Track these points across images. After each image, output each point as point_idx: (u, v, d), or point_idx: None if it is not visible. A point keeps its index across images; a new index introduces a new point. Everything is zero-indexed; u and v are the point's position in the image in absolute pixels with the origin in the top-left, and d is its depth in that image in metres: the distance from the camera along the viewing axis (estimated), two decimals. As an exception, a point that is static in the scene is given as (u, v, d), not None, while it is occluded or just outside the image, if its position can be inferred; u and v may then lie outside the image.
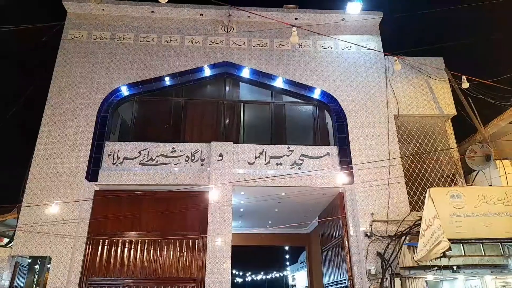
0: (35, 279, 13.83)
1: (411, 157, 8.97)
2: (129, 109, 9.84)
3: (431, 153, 8.94)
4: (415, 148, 9.12)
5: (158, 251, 8.27)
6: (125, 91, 9.55)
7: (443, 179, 8.79)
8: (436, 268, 6.63)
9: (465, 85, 8.28)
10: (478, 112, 8.68)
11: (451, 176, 8.86)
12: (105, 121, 9.15)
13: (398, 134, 9.21)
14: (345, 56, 10.02)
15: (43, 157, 8.39)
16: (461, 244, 6.51)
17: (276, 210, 11.06)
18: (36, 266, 14.03)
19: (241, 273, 35.92)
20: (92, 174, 8.55)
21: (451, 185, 8.43)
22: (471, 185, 8.38)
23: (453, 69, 9.50)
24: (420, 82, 9.73)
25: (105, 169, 8.68)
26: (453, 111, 9.41)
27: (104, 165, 8.75)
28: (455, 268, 6.55)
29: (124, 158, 8.84)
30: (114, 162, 8.79)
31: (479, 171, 8.33)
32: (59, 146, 8.53)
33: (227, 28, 10.16)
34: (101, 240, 8.21)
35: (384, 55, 9.95)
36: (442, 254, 5.73)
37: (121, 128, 10.05)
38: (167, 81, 9.73)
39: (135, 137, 9.33)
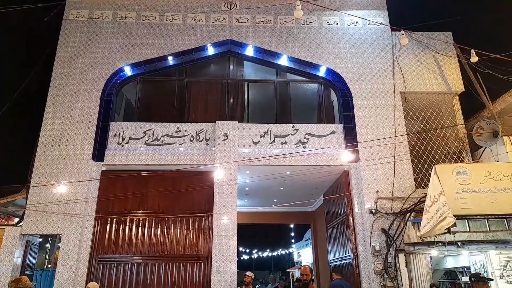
0: (47, 257, 14.23)
1: (417, 134, 8.89)
2: (133, 90, 9.81)
3: (438, 130, 8.86)
4: (421, 126, 9.04)
5: (165, 229, 8.41)
6: (128, 71, 9.49)
7: (449, 156, 8.74)
8: (440, 244, 6.68)
9: (474, 59, 8.09)
10: (486, 88, 8.52)
11: (457, 153, 8.81)
12: (110, 101, 9.15)
13: (405, 112, 9.11)
14: (351, 32, 9.82)
15: (49, 138, 8.45)
16: (466, 220, 6.52)
17: (281, 188, 11.13)
18: (47, 245, 14.42)
19: (247, 251, 36.60)
20: (98, 154, 8.62)
21: (457, 162, 8.38)
22: (477, 162, 8.33)
23: (461, 44, 9.28)
24: (427, 58, 9.54)
25: (111, 150, 8.74)
26: (460, 87, 9.26)
27: (110, 145, 8.80)
28: (459, 243, 6.59)
29: (130, 138, 8.88)
30: (120, 142, 8.84)
31: (486, 147, 8.25)
32: (64, 127, 8.57)
33: (230, 5, 9.96)
34: (109, 219, 8.35)
35: (391, 30, 9.73)
36: (446, 230, 5.75)
37: (126, 109, 10.06)
38: (170, 60, 9.64)
39: (140, 117, 9.34)
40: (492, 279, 4.86)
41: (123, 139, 8.86)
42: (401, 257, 7.64)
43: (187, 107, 9.61)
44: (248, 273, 7.39)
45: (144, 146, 8.80)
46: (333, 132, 9.14)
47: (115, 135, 8.89)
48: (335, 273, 8.43)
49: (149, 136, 8.89)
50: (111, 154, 8.69)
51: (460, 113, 9.25)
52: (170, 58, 9.57)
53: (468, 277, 8.43)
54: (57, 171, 8.19)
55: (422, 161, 8.69)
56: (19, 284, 4.34)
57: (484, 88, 8.51)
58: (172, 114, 9.43)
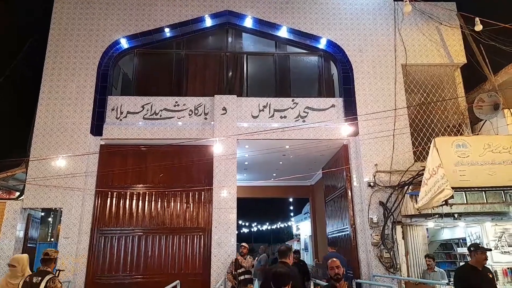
0: (49, 231, 14.43)
1: (418, 107, 8.82)
2: (129, 63, 9.64)
3: (438, 103, 8.78)
4: (422, 99, 8.95)
5: (166, 203, 8.48)
6: (124, 44, 9.30)
7: (449, 130, 8.71)
8: (437, 216, 6.76)
9: (478, 27, 7.88)
10: (489, 60, 8.38)
11: (457, 126, 8.77)
12: (106, 75, 9.02)
13: (405, 85, 9.01)
14: (353, 3, 9.55)
15: (46, 112, 8.38)
16: (463, 193, 6.58)
17: (281, 163, 11.16)
18: (49, 219, 14.60)
19: (247, 224, 37.22)
20: (97, 128, 8.58)
21: (457, 135, 8.36)
22: (477, 135, 8.31)
23: (465, 14, 9.05)
24: (430, 29, 9.33)
25: (109, 124, 8.69)
26: (463, 59, 9.11)
27: (108, 119, 8.74)
28: (456, 215, 6.67)
29: (128, 112, 8.81)
30: (118, 116, 8.77)
31: (486, 120, 8.21)
32: (61, 101, 8.49)
33: (228, -26, 9.62)
34: (109, 193, 8.41)
35: (394, 0, 9.47)
36: (444, 202, 5.80)
37: (123, 82, 9.93)
38: (167, 32, 9.42)
39: (138, 91, 9.23)
40: (491, 249, 4.96)
41: (121, 113, 8.79)
42: (398, 229, 7.76)
43: (185, 81, 9.48)
44: (243, 244, 7.52)
45: (142, 121, 8.74)
46: (333, 106, 9.06)
47: (113, 109, 8.82)
48: (330, 247, 8.68)
49: (147, 110, 8.82)
50: (109, 128, 8.64)
51: (461, 86, 9.15)
52: (167, 30, 9.35)
53: (465, 248, 8.63)
54: (56, 145, 8.17)
55: (421, 135, 8.67)
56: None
57: (487, 60, 8.37)
58: (170, 87, 9.32)
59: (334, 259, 3.80)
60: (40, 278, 4.44)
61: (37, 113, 8.34)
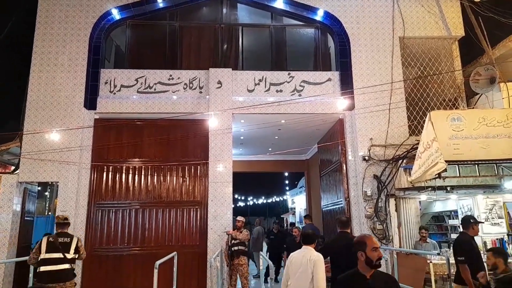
0: (47, 205, 14.54)
1: (414, 81, 8.78)
2: (122, 35, 9.41)
3: (435, 77, 8.73)
4: (419, 72, 8.89)
5: (162, 177, 8.52)
6: (116, 15, 9.04)
7: (444, 104, 8.71)
8: (430, 188, 6.87)
9: None
10: (488, 33, 8.28)
11: (453, 100, 8.77)
12: (99, 47, 8.81)
13: (402, 58, 8.91)
14: (351, -27, 9.28)
15: (38, 85, 8.24)
16: (456, 166, 6.66)
17: (276, 137, 11.17)
18: (46, 193, 14.68)
19: (243, 198, 37.71)
20: (90, 102, 8.47)
21: (452, 109, 8.37)
22: (472, 109, 8.32)
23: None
24: (429, 0, 9.15)
25: (103, 97, 8.58)
26: (461, 32, 8.99)
27: (102, 93, 8.62)
28: (449, 188, 6.78)
29: (121, 86, 8.68)
30: (112, 90, 8.65)
31: (481, 94, 8.21)
32: (53, 74, 8.33)
33: None
34: (105, 167, 8.42)
35: (393, -31, 9.22)
36: (437, 175, 5.88)
37: (116, 55, 9.74)
38: (160, 2, 9.16)
39: (131, 64, 9.06)
40: (483, 222, 5.16)
41: (115, 86, 8.67)
42: (392, 201, 7.89)
43: (179, 54, 9.30)
44: (238, 217, 7.63)
45: (136, 94, 8.64)
46: (329, 79, 8.98)
47: (106, 83, 8.68)
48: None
49: (141, 84, 8.70)
50: (103, 102, 8.54)
51: (458, 59, 9.07)
52: (159, 0, 9.08)
53: (456, 220, 8.83)
54: (49, 119, 8.09)
55: (417, 109, 8.67)
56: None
57: (485, 33, 8.27)
58: (164, 60, 9.15)
59: (371, 236, 2.81)
60: (68, 239, 5.08)
61: (29, 86, 8.20)
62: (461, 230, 5.05)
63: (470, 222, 4.86)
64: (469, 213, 8.08)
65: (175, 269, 6.64)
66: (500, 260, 4.00)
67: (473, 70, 8.02)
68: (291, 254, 4.29)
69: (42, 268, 4.84)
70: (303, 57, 9.86)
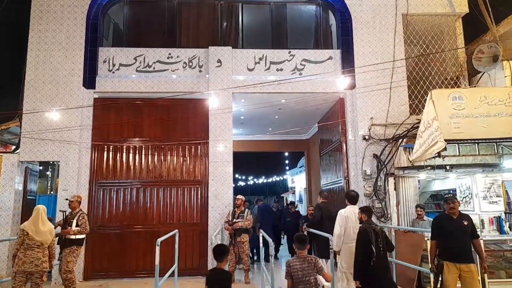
0: (49, 184, 14.66)
1: (416, 59, 8.67)
2: (120, 13, 9.23)
3: (437, 55, 8.62)
4: (421, 50, 8.77)
5: (162, 156, 8.55)
6: (113, -9, 8.86)
7: (446, 82, 8.63)
8: (429, 167, 6.90)
9: None
10: (492, 9, 8.10)
11: (455, 78, 8.68)
12: (96, 25, 8.67)
13: (405, 36, 8.77)
14: None
15: (36, 64, 8.15)
16: (456, 145, 6.67)
17: (277, 117, 11.14)
18: (48, 173, 14.76)
19: (243, 177, 37.97)
20: (89, 81, 8.40)
21: (454, 88, 8.30)
22: (474, 87, 8.26)
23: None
24: (433, -24, 8.93)
25: (101, 77, 8.50)
26: (465, 9, 8.81)
27: (100, 72, 8.54)
28: (448, 167, 6.81)
29: (120, 64, 8.59)
30: (110, 69, 8.57)
31: (484, 72, 8.12)
32: (51, 53, 8.23)
33: None
34: (105, 146, 8.44)
35: None
36: (436, 154, 5.90)
37: (114, 33, 9.58)
38: (158, -22, 8.95)
39: (129, 42, 8.94)
40: (456, 199, 5.26)
41: (114, 65, 8.58)
42: (391, 180, 7.94)
43: (178, 32, 9.16)
44: (238, 196, 7.72)
45: (135, 73, 8.56)
46: (330, 58, 8.87)
47: (104, 61, 8.59)
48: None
49: (140, 63, 8.61)
50: (102, 81, 8.47)
51: (461, 37, 8.93)
52: (157, -24, 8.88)
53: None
54: (49, 98, 8.05)
55: (418, 87, 8.60)
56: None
57: (490, 9, 8.10)
58: (162, 39, 9.03)
59: None
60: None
61: (27, 64, 8.11)
62: None
63: (455, 201, 4.97)
64: (467, 192, 8.16)
65: (176, 246, 6.75)
66: (364, 215, 5.12)
67: (476, 48, 7.91)
68: (341, 210, 5.84)
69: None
70: (304, 35, 9.71)
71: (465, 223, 4.87)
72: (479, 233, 5.24)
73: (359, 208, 5.27)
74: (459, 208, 5.00)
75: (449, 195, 5.09)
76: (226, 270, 3.91)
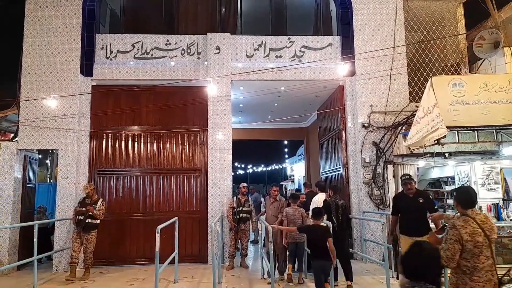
0: (48, 173, 14.65)
1: (416, 46, 8.59)
2: (117, -2, 9.11)
3: (438, 42, 8.54)
4: (422, 37, 8.69)
5: (161, 144, 8.53)
6: (110, -24, 8.71)
7: (446, 69, 8.58)
8: (428, 155, 6.89)
9: None
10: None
11: (455, 65, 8.62)
12: (93, 10, 8.54)
13: (406, 22, 8.68)
14: None
15: (33, 51, 8.06)
16: (456, 132, 6.65)
17: (276, 105, 11.09)
18: (47, 161, 14.75)
19: (243, 166, 38.04)
20: (87, 68, 8.32)
21: (454, 75, 8.25)
22: (474, 74, 8.20)
23: None
24: (435, -40, 8.79)
25: (99, 64, 8.42)
26: (467, -6, 8.72)
27: (98, 59, 8.46)
28: (447, 154, 6.80)
29: (118, 51, 8.50)
30: (108, 56, 8.48)
31: (484, 59, 8.06)
32: (48, 39, 8.13)
33: None
34: (104, 134, 8.41)
35: None
36: (436, 141, 5.88)
37: (111, 20, 9.46)
38: (155, -37, 8.79)
39: (127, 29, 8.84)
40: (411, 179, 5.46)
41: (111, 52, 8.49)
42: (390, 168, 7.95)
43: (176, 18, 9.04)
44: (243, 184, 7.83)
45: (133, 60, 8.48)
46: (330, 44, 8.79)
47: (102, 48, 8.50)
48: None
49: (138, 49, 8.52)
50: (99, 68, 8.40)
51: (462, 23, 8.84)
52: (154, -39, 8.72)
53: (453, 186, 8.94)
54: (46, 85, 7.98)
55: (418, 74, 8.55)
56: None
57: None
58: (160, 25, 8.92)
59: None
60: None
61: (23, 51, 8.02)
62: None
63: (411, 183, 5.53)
64: (465, 179, 8.18)
65: (176, 233, 6.79)
66: (331, 191, 6.16)
67: (477, 34, 7.83)
68: (315, 197, 6.54)
69: None
70: (304, 21, 9.60)
71: (421, 200, 5.44)
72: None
73: (329, 186, 6.49)
74: None
75: (405, 176, 5.67)
76: (322, 225, 5.16)
